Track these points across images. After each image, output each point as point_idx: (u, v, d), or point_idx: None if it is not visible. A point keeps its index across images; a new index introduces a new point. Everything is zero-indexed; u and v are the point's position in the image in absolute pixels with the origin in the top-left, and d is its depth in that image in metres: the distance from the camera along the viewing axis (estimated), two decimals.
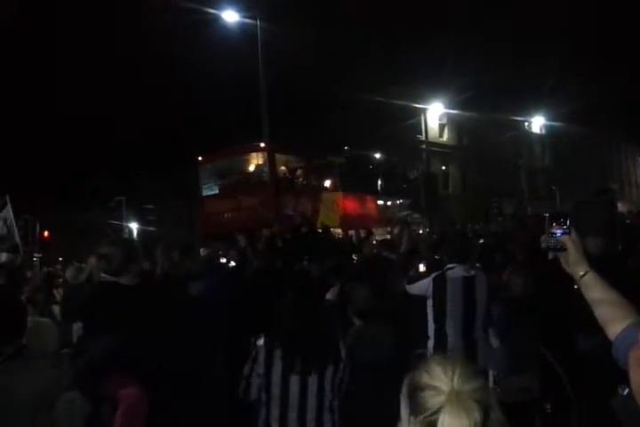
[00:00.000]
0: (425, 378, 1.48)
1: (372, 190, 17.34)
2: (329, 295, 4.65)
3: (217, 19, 18.07)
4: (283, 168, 14.90)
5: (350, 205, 16.06)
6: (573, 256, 2.00)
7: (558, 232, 2.00)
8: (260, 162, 14.66)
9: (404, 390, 1.54)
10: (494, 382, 3.97)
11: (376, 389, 3.41)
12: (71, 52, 20.94)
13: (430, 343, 4.45)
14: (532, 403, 4.06)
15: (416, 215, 18.93)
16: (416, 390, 1.48)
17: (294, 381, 3.21)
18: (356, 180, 16.74)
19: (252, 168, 15.07)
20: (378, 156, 18.75)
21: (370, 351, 3.67)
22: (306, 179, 15.23)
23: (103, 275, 4.09)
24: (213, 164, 15.50)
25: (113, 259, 4.02)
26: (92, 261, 4.91)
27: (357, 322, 3.93)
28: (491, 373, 4.03)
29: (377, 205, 17.30)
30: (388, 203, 17.84)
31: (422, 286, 4.65)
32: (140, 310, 3.48)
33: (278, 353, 3.22)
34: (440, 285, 4.58)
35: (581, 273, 1.98)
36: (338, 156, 16.68)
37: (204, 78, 21.59)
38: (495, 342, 4.44)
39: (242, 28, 18.17)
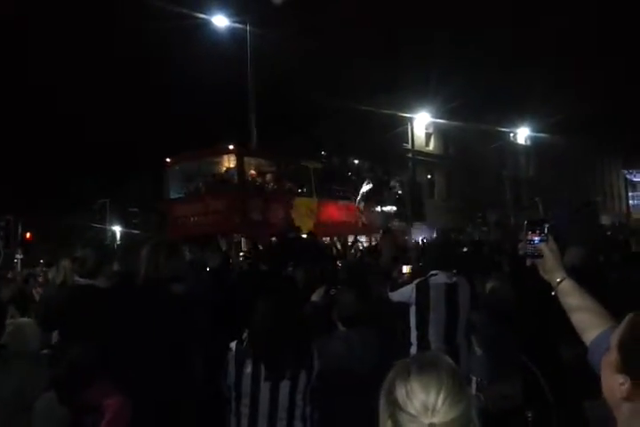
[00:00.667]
0: (403, 396, 1.40)
1: (351, 197, 16.91)
2: (314, 297, 4.66)
3: (207, 23, 18.08)
4: (252, 172, 14.48)
5: (326, 211, 15.65)
6: (550, 263, 2.03)
7: (536, 239, 2.03)
8: (229, 165, 14.29)
9: (382, 393, 1.48)
10: (477, 390, 3.98)
11: (360, 395, 3.40)
12: (61, 53, 20.82)
13: (413, 350, 4.46)
14: (515, 411, 4.08)
15: (398, 223, 18.77)
16: (394, 405, 1.42)
17: (264, 387, 3.18)
18: (334, 186, 16.45)
19: (220, 171, 14.64)
20: (357, 162, 18.46)
21: (354, 357, 3.67)
22: (277, 183, 14.78)
23: (77, 278, 4.02)
24: (181, 166, 15.03)
25: (86, 261, 3.96)
26: (66, 264, 4.83)
27: (341, 327, 3.92)
28: (474, 380, 4.05)
29: (357, 211, 16.83)
30: (372, 210, 17.45)
31: (405, 293, 4.67)
32: (118, 312, 3.43)
33: (249, 360, 3.20)
34: (423, 291, 4.60)
35: (558, 280, 2.01)
36: (313, 161, 16.29)
37: (193, 82, 21.57)
38: (478, 350, 4.45)
39: (232, 32, 18.19)
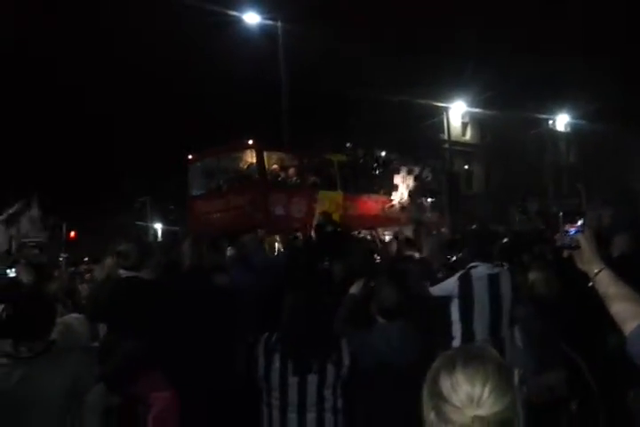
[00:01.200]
0: (447, 388, 1.41)
1: (378, 189, 16.56)
2: (353, 289, 4.67)
3: (238, 21, 18.20)
4: (275, 166, 14.35)
5: (352, 204, 15.29)
6: (587, 254, 2.01)
7: (572, 230, 2.01)
8: (250, 160, 14.10)
9: (426, 384, 1.48)
10: (520, 381, 3.94)
11: (399, 388, 3.41)
12: (94, 52, 21.21)
13: (456, 343, 4.41)
14: (559, 402, 4.03)
15: (429, 215, 18.34)
16: (439, 396, 1.42)
17: (292, 381, 3.22)
18: (361, 178, 16.14)
19: (241, 167, 14.53)
20: (384, 153, 17.67)
21: (393, 350, 3.66)
22: (300, 177, 14.56)
23: (122, 271, 4.14)
24: (203, 162, 14.98)
25: (129, 255, 4.08)
26: (109, 260, 4.96)
27: (381, 320, 3.92)
28: (517, 371, 4.00)
29: (386, 204, 16.41)
30: (404, 202, 16.88)
31: (448, 286, 4.61)
32: (164, 301, 3.52)
33: (277, 354, 3.24)
34: (466, 283, 4.54)
35: (595, 271, 1.98)
36: (338, 154, 15.97)
37: (226, 78, 21.73)
38: (521, 342, 4.41)
39: (263, 29, 18.28)
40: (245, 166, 14.31)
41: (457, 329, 4.53)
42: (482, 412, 1.35)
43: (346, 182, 15.53)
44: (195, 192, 14.81)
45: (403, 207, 16.63)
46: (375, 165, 17.18)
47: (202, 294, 3.54)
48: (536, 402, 3.79)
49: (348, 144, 17.05)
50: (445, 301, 4.66)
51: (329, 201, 14.59)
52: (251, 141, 13.82)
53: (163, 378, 3.49)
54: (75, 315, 4.11)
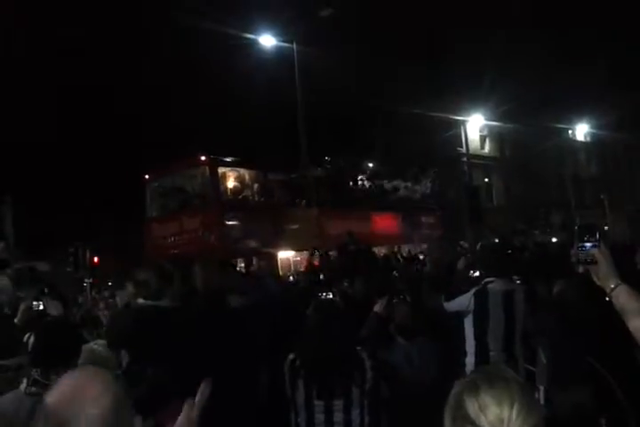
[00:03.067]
0: (475, 411, 1.40)
1: (366, 205, 15.42)
2: (377, 308, 4.68)
3: (254, 43, 18.50)
4: (235, 184, 13.25)
5: (331, 222, 14.15)
6: (604, 269, 1.99)
7: (588, 245, 2.00)
8: (203, 178, 12.98)
9: (448, 409, 1.47)
10: (546, 398, 3.89)
11: (422, 407, 3.40)
12: (115, 77, 21.58)
13: (470, 359, 4.37)
14: (587, 418, 3.96)
15: (425, 230, 17.04)
16: (464, 419, 1.41)
17: (318, 405, 3.22)
18: (342, 193, 15.08)
19: (195, 185, 13.38)
20: (371, 165, 16.81)
21: (415, 371, 3.66)
22: (265, 195, 13.49)
23: (141, 300, 4.13)
24: (160, 181, 13.92)
25: (148, 284, 4.06)
26: (129, 287, 4.98)
27: (400, 340, 3.92)
28: (542, 388, 3.96)
29: (377, 221, 15.24)
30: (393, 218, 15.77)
31: (463, 302, 4.59)
32: (182, 330, 3.55)
33: (301, 378, 3.24)
34: (482, 299, 4.52)
35: (612, 286, 1.98)
36: (313, 168, 14.94)
37: (243, 101, 21.97)
38: (544, 357, 4.36)
39: (279, 51, 18.54)
40: (199, 185, 13.19)
41: (470, 345, 4.50)
42: None
43: (323, 199, 14.59)
44: (151, 214, 13.80)
45: (392, 223, 15.63)
46: (361, 178, 16.11)
47: (218, 319, 3.57)
48: (563, 419, 3.74)
49: (326, 158, 16.10)
50: (458, 316, 4.64)
51: (302, 219, 13.59)
52: (203, 157, 12.69)
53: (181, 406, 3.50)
54: (100, 341, 4.16)
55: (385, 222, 15.32)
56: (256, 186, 13.66)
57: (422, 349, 3.74)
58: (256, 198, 13.55)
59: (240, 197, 13.23)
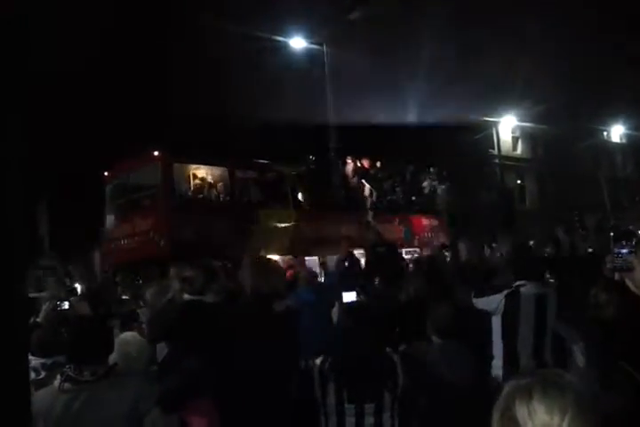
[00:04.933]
0: (524, 416, 1.39)
1: (352, 206, 14.12)
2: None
3: (285, 46, 18.60)
4: (196, 182, 12.36)
5: (310, 225, 12.96)
6: None
7: (624, 251, 1.93)
8: (157, 176, 11.83)
9: (497, 409, 1.45)
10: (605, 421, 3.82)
11: (456, 411, 3.36)
12: (141, 81, 21.80)
13: (497, 363, 4.32)
14: (622, 424, 3.87)
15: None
16: (511, 422, 1.40)
17: (349, 409, 3.19)
18: (323, 194, 13.88)
19: (149, 183, 12.24)
20: (361, 164, 15.02)
21: (452, 372, 3.63)
22: (230, 194, 12.33)
23: (186, 296, 4.24)
24: (118, 180, 12.94)
25: (195, 280, 4.19)
26: (176, 284, 5.05)
27: (436, 339, 3.89)
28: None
29: (360, 222, 13.83)
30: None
31: (493, 302, 4.55)
32: (225, 326, 3.59)
33: (331, 382, 3.22)
34: (513, 302, 4.46)
35: None
36: (292, 166, 13.72)
37: (272, 105, 22.06)
38: (581, 361, 4.28)
39: (309, 53, 18.60)
40: (153, 183, 12.09)
41: (498, 348, 4.44)
42: None
43: (301, 199, 13.55)
44: (109, 214, 12.97)
45: (388, 227, 14.30)
46: (347, 177, 14.72)
47: (263, 320, 3.59)
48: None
49: (310, 156, 14.70)
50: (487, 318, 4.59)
51: (276, 221, 12.48)
52: (156, 153, 11.63)
53: (212, 406, 3.52)
54: (130, 333, 4.22)
55: (380, 226, 13.87)
56: (220, 185, 12.48)
57: (459, 349, 3.70)
58: (220, 198, 12.35)
59: (200, 196, 12.14)
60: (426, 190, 16.76)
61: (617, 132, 38.25)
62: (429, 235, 15.96)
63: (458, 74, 26.74)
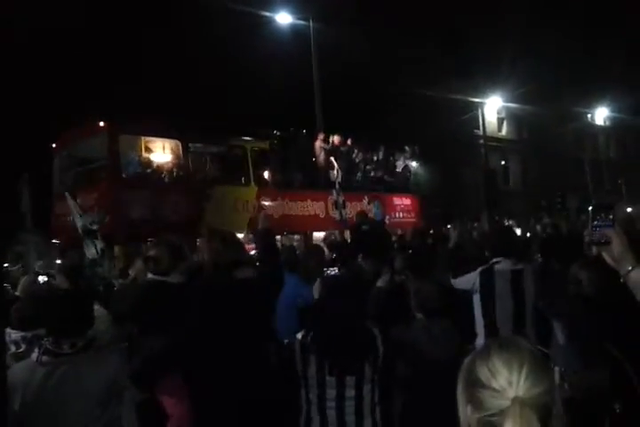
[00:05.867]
0: (486, 374, 1.42)
1: (322, 185, 13.50)
2: (379, 283, 4.68)
3: (270, 21, 18.33)
4: (145, 156, 11.50)
5: (274, 203, 12.46)
6: (619, 250, 1.89)
7: (602, 224, 1.90)
8: (104, 148, 11.01)
9: (460, 377, 1.50)
10: (561, 379, 3.86)
11: (440, 386, 3.37)
12: (129, 50, 21.47)
13: (480, 340, 4.36)
14: (602, 402, 3.92)
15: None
16: (475, 385, 1.43)
17: (330, 381, 3.21)
18: (288, 170, 13.28)
19: (96, 156, 11.42)
20: (335, 139, 14.27)
21: (437, 348, 3.65)
22: (184, 169, 11.61)
23: (151, 275, 4.07)
24: (65, 151, 12.12)
25: (160, 260, 3.99)
26: (139, 263, 4.94)
27: (420, 317, 3.91)
28: (557, 369, 3.93)
29: (330, 203, 13.18)
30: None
31: (469, 280, 4.59)
32: (188, 306, 3.54)
33: (313, 354, 3.23)
34: (487, 279, 4.50)
35: (628, 268, 1.87)
36: (254, 140, 12.84)
37: (259, 80, 21.82)
38: (562, 338, 4.31)
39: (295, 29, 18.35)
40: (99, 156, 11.30)
41: (480, 325, 4.49)
42: (521, 393, 1.37)
43: (265, 175, 12.93)
44: (56, 189, 12.07)
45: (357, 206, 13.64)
46: (315, 153, 13.91)
47: (224, 290, 3.56)
48: (578, 401, 3.71)
49: (275, 131, 13.86)
50: (468, 295, 4.63)
51: (234, 198, 11.85)
52: (102, 123, 10.80)
53: (181, 383, 3.51)
54: (100, 309, 4.19)
55: (349, 205, 13.19)
56: (173, 158, 11.72)
57: (443, 325, 3.72)
58: (174, 173, 11.57)
59: (149, 170, 11.32)
60: (399, 169, 16.24)
61: (601, 115, 38.45)
62: (401, 214, 15.71)
63: (445, 54, 26.64)
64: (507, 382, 1.39)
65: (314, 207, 13.44)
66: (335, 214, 12.66)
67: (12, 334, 4.07)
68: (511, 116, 33.98)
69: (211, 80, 22.07)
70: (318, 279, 3.97)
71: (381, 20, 24.34)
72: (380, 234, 8.68)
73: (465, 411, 1.46)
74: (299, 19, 18.20)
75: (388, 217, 14.55)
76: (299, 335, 3.32)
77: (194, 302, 3.59)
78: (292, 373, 3.29)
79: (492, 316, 4.46)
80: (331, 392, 3.20)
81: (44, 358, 2.86)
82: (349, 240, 9.92)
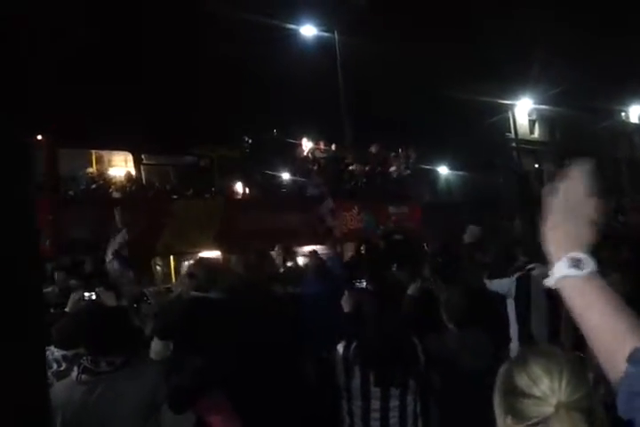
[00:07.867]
0: (525, 382, 1.42)
1: (304, 194, 12.54)
2: (410, 291, 4.70)
3: (295, 34, 18.49)
4: (90, 170, 10.65)
5: (245, 216, 11.37)
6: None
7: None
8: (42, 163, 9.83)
9: (498, 388, 1.50)
10: (595, 382, 3.80)
11: (475, 397, 3.36)
12: (160, 66, 21.77)
13: (514, 345, 4.33)
14: None
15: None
16: (515, 394, 1.43)
17: (375, 392, 3.22)
18: (271, 180, 12.51)
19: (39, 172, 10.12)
20: (308, 145, 13.24)
21: (471, 359, 3.63)
22: (136, 183, 10.71)
23: (193, 292, 4.26)
24: None
25: (200, 277, 4.22)
26: (184, 280, 5.07)
27: (453, 329, 3.89)
28: (590, 375, 3.88)
29: (316, 214, 11.93)
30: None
31: (504, 285, 4.57)
32: (232, 321, 3.61)
33: (357, 366, 3.23)
34: (524, 285, 4.47)
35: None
36: (221, 148, 12.06)
37: (284, 92, 21.94)
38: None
39: (320, 41, 18.46)
40: (40, 172, 10.05)
41: (514, 330, 4.46)
42: (564, 399, 1.38)
43: (236, 186, 12.09)
44: None
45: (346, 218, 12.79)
46: (297, 160, 13.10)
47: (261, 308, 3.61)
48: (611, 404, 3.64)
49: (245, 137, 13.04)
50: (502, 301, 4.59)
51: (198, 212, 10.79)
52: (40, 136, 9.67)
53: (225, 400, 3.55)
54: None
55: (337, 215, 12.12)
56: (125, 173, 10.84)
57: (476, 336, 3.70)
58: (126, 188, 10.70)
59: (94, 186, 10.41)
60: (394, 175, 14.84)
61: (636, 113, 37.59)
62: (398, 225, 13.77)
63: (473, 57, 26.42)
64: (548, 388, 1.40)
65: (294, 219, 12.10)
66: (319, 227, 11.70)
67: (55, 353, 4.17)
68: (543, 118, 33.48)
69: (233, 96, 22.14)
70: (346, 292, 3.99)
71: (409, 24, 24.19)
72: (411, 244, 8.66)
73: (504, 422, 1.45)
74: (323, 31, 18.33)
75: (382, 228, 12.98)
76: (339, 348, 3.34)
77: (232, 318, 3.65)
78: (332, 386, 3.32)
79: (526, 323, 4.44)
80: (375, 403, 3.22)
81: (83, 376, 2.91)
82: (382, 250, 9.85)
